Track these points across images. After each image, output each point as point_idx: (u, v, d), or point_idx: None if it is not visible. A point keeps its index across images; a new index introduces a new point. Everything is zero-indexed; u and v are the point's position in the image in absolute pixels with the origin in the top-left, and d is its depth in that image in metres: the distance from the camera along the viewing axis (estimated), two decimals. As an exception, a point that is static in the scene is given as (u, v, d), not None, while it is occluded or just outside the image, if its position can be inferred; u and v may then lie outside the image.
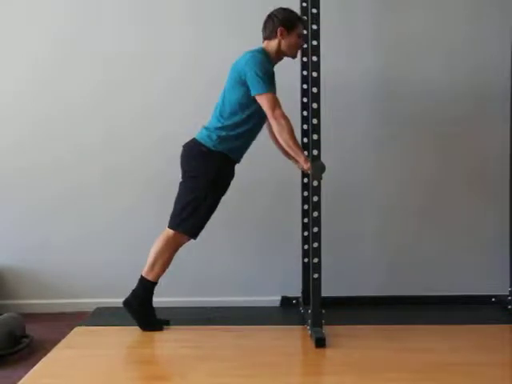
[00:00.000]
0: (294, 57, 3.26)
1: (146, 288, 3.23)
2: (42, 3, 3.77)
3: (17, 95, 3.80)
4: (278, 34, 3.17)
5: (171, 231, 3.20)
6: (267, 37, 3.22)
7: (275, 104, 3.05)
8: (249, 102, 3.11)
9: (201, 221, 3.19)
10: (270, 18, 3.22)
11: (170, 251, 3.20)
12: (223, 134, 3.17)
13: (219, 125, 3.18)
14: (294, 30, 3.19)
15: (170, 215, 3.22)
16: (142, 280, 3.23)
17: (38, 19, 3.77)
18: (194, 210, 3.16)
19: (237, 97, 3.14)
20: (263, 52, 3.19)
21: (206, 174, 3.16)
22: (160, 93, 3.79)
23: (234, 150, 3.21)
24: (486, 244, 3.81)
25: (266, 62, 3.12)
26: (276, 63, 3.24)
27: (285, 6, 3.21)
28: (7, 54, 3.79)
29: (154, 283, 3.23)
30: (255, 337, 3.16)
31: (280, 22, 3.17)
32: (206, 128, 3.22)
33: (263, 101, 3.06)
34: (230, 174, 3.25)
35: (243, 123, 3.15)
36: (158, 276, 3.22)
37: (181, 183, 3.24)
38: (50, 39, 3.78)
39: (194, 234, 3.20)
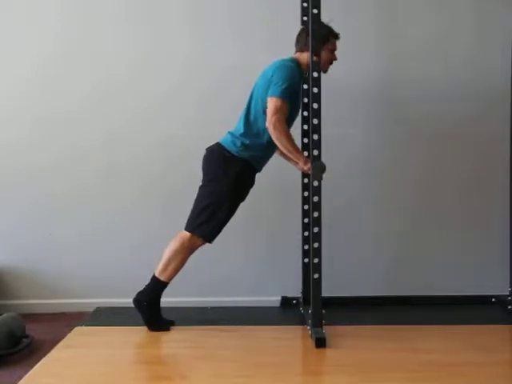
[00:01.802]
0: (324, 71, 3.22)
1: (157, 288, 3.23)
2: (42, 3, 3.77)
3: (17, 95, 3.80)
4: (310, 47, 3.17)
5: (187, 233, 3.19)
6: (300, 49, 3.22)
7: (278, 110, 3.03)
8: None
9: (218, 225, 3.18)
10: (304, 30, 3.22)
11: (184, 253, 3.20)
12: (247, 141, 3.16)
13: (244, 131, 3.17)
14: (327, 45, 3.18)
15: (188, 217, 3.21)
16: (155, 279, 3.22)
17: (38, 19, 3.77)
18: (211, 214, 3.15)
19: (263, 103, 3.12)
20: (295, 62, 3.19)
21: (227, 180, 3.15)
22: (160, 93, 3.79)
23: (257, 158, 3.21)
24: (485, 244, 3.82)
25: (294, 72, 3.13)
26: (306, 75, 3.22)
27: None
28: (7, 55, 3.79)
29: (166, 284, 3.23)
30: (255, 337, 3.16)
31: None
32: (231, 133, 3.22)
33: (270, 104, 3.05)
34: (251, 182, 3.24)
35: (267, 131, 3.11)
36: (171, 277, 3.22)
37: (201, 186, 3.24)
38: (51, 39, 3.78)
39: (210, 237, 3.20)
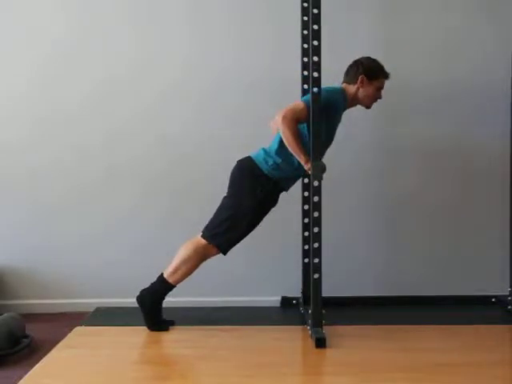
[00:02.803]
0: (367, 107, 3.24)
1: (163, 289, 3.21)
2: (42, 3, 3.77)
3: (17, 95, 3.80)
4: (359, 81, 3.15)
5: (203, 240, 3.17)
6: (348, 81, 3.22)
7: (295, 110, 3.01)
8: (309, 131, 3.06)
9: (235, 238, 3.18)
10: (356, 63, 3.22)
11: (197, 259, 3.18)
12: (280, 160, 3.14)
13: (278, 149, 3.14)
14: (375, 82, 3.18)
15: (206, 224, 3.20)
16: (162, 280, 3.21)
17: (38, 19, 3.77)
18: (231, 226, 3.14)
19: (301, 125, 3.09)
20: (342, 92, 3.18)
21: (252, 197, 3.13)
22: (160, 93, 3.79)
23: (286, 179, 3.20)
24: (486, 244, 3.82)
25: (338, 98, 3.12)
26: (348, 108, 3.23)
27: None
28: (7, 55, 3.78)
29: (172, 286, 3.22)
30: (255, 337, 3.16)
31: (363, 71, 3.16)
32: (265, 150, 3.19)
33: (292, 103, 3.05)
34: (275, 202, 3.22)
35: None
36: (179, 281, 3.21)
37: (225, 197, 3.21)
38: (51, 39, 3.78)
39: (225, 248, 3.19)
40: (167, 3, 3.77)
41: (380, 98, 3.26)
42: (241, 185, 3.18)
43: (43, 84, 3.79)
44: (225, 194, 3.22)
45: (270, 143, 3.21)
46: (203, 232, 3.19)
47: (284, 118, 3.00)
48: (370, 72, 3.18)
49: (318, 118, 3.01)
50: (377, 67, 3.21)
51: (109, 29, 3.78)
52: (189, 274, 3.20)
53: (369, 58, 3.23)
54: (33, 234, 3.83)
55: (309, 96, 3.04)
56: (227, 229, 3.14)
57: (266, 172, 3.14)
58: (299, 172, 3.20)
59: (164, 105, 3.80)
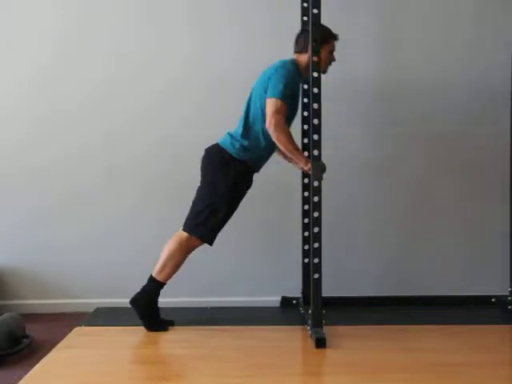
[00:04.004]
0: (323, 72, 3.22)
1: (154, 288, 3.22)
2: (42, 3, 3.77)
3: (16, 96, 3.80)
4: (309, 48, 3.16)
5: (185, 234, 3.19)
6: (299, 50, 3.23)
7: (278, 111, 3.03)
8: None
9: (216, 226, 3.19)
10: (303, 32, 3.23)
11: (182, 254, 3.20)
12: (246, 143, 3.17)
13: (243, 133, 3.18)
14: (326, 46, 3.17)
15: (186, 218, 3.22)
16: (152, 280, 3.22)
17: (38, 19, 3.77)
18: (210, 215, 3.16)
19: (261, 105, 3.13)
20: (294, 63, 3.19)
21: (225, 181, 3.15)
22: (160, 93, 3.79)
23: (256, 159, 3.21)
24: (486, 244, 3.82)
25: (294, 73, 3.13)
26: (305, 77, 3.22)
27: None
28: (7, 55, 3.79)
29: (163, 284, 3.23)
30: (255, 337, 3.16)
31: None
32: (230, 135, 3.22)
33: (269, 104, 3.06)
34: (248, 183, 3.25)
35: (266, 133, 3.12)
36: (168, 277, 3.22)
37: (199, 187, 3.24)
38: (51, 39, 3.78)
39: (209, 238, 3.20)
40: (167, 3, 3.77)
41: (334, 60, 3.26)
42: (212, 172, 3.21)
43: (43, 84, 3.79)
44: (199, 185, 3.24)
45: (235, 128, 3.23)
46: (184, 225, 3.21)
47: (275, 124, 3.02)
48: (319, 37, 3.13)
49: (318, 117, 3.01)
50: (324, 32, 3.18)
51: (109, 29, 3.78)
52: (176, 270, 3.21)
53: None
54: (33, 234, 3.83)
55: (275, 89, 3.03)
56: (206, 218, 3.16)
57: (235, 155, 3.16)
58: (268, 151, 3.23)
59: (164, 105, 3.80)
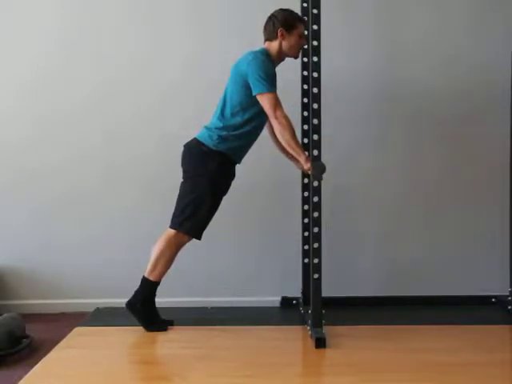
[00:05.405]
0: (295, 57, 3.26)
1: (148, 288, 3.23)
2: (42, 3, 3.77)
3: (16, 97, 3.80)
4: (279, 35, 3.17)
5: (173, 231, 3.20)
6: (268, 38, 3.23)
7: (276, 104, 3.05)
8: (250, 104, 3.12)
9: (202, 221, 3.19)
10: (271, 19, 3.22)
11: (171, 251, 3.20)
12: (224, 133, 3.17)
13: (220, 125, 3.18)
14: (295, 31, 3.18)
15: (172, 215, 3.22)
16: (144, 280, 3.23)
17: (38, 19, 3.77)
18: (195, 209, 3.16)
19: (238, 98, 3.14)
20: (265, 53, 3.19)
21: (207, 174, 3.16)
22: (160, 93, 3.79)
23: (235, 150, 3.21)
24: (486, 244, 3.82)
25: (267, 63, 3.12)
26: (278, 64, 3.24)
27: (285, 7, 3.21)
28: (7, 55, 3.79)
29: (157, 283, 3.23)
30: (255, 337, 3.16)
31: (280, 23, 3.17)
32: (207, 128, 3.23)
33: (264, 100, 3.06)
34: (231, 175, 3.25)
35: (244, 124, 3.16)
36: (160, 276, 3.22)
37: (182, 183, 3.25)
38: (51, 39, 3.78)
39: (195, 233, 3.20)
40: (167, 3, 3.77)
41: (305, 44, 3.26)
42: (193, 166, 3.21)
43: (43, 84, 3.79)
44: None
45: (211, 120, 3.24)
46: (171, 223, 3.21)
47: (279, 119, 3.03)
48: (286, 23, 3.16)
49: (318, 117, 3.01)
50: (292, 16, 3.19)
51: (109, 29, 3.78)
52: (168, 267, 3.21)
53: (281, 10, 3.21)
54: (33, 234, 3.83)
55: (260, 83, 3.03)
56: (192, 213, 3.16)
57: (213, 147, 3.16)
58: (247, 141, 3.23)
59: (164, 105, 3.80)
